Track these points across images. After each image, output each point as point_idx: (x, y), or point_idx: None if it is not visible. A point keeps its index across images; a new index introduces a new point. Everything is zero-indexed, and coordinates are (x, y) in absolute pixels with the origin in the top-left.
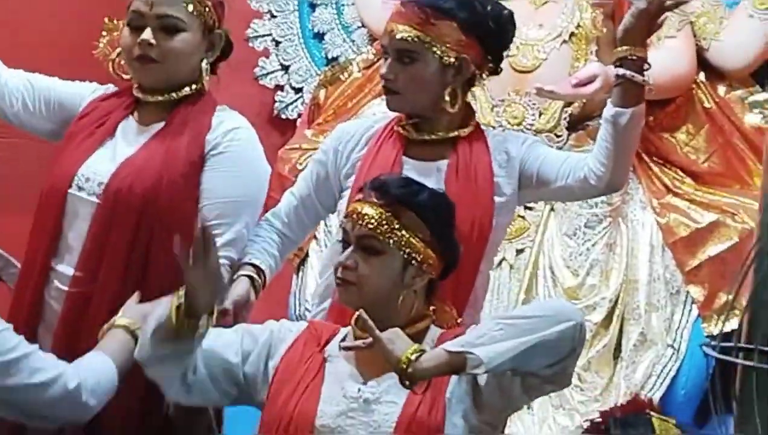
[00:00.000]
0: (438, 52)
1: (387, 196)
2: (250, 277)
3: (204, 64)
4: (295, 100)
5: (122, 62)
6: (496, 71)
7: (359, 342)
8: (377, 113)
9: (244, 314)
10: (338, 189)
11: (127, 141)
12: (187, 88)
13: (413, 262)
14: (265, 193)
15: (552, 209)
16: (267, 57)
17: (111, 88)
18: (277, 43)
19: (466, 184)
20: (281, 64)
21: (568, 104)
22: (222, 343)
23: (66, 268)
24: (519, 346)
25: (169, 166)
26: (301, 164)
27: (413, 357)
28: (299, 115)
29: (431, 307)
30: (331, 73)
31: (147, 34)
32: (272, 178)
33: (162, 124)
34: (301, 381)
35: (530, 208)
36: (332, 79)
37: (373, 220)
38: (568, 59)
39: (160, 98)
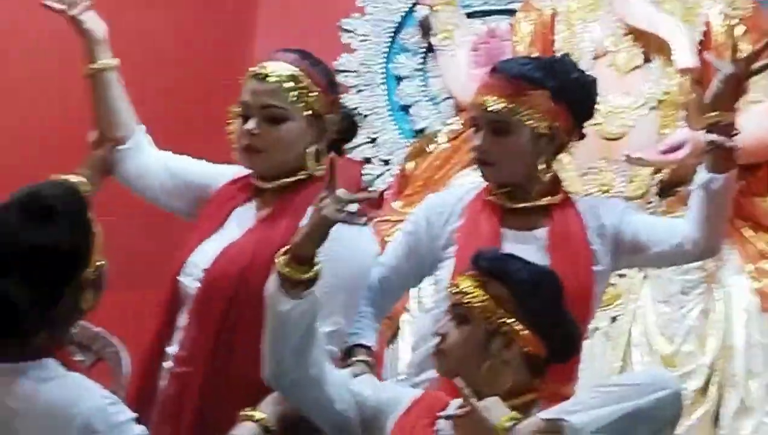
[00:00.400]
0: (531, 123)
1: (480, 267)
2: (365, 361)
3: (310, 150)
4: (383, 173)
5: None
6: (582, 137)
7: (458, 410)
8: (465, 183)
9: None
10: (431, 260)
11: (239, 227)
12: (298, 175)
13: (499, 334)
14: (366, 278)
15: (645, 276)
16: None
17: (244, 170)
18: (365, 116)
19: (565, 252)
20: (369, 137)
21: (658, 171)
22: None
23: (174, 349)
24: (615, 412)
25: (262, 251)
26: (389, 236)
27: (508, 425)
28: (388, 187)
29: (539, 384)
30: (419, 144)
31: (251, 124)
32: None
33: (269, 209)
34: None
35: (623, 275)
36: (420, 150)
37: (463, 290)
38: (655, 126)
39: (269, 185)
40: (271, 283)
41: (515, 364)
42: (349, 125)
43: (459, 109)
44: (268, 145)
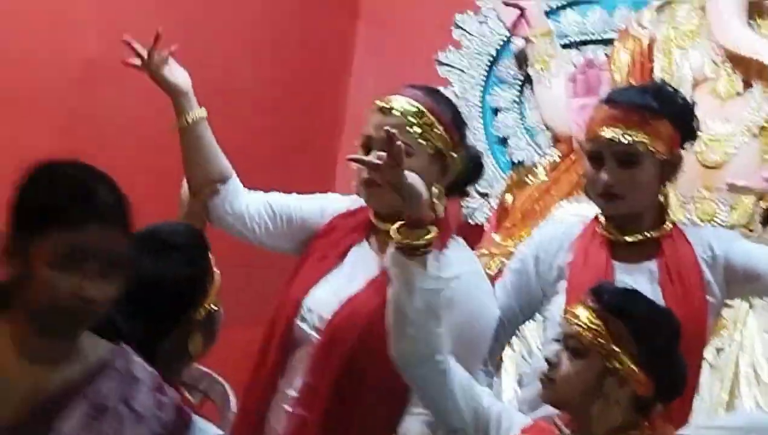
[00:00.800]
0: (657, 152)
1: (601, 301)
2: None
3: (434, 189)
4: (482, 206)
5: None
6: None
7: None
8: (569, 217)
9: None
10: (539, 296)
11: (356, 270)
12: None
13: (614, 373)
14: (490, 336)
15: (751, 306)
16: None
17: (357, 201)
18: None
19: (679, 285)
20: None
21: (761, 198)
22: None
23: (290, 390)
24: None
25: (386, 305)
26: (490, 268)
27: None
28: (487, 220)
29: (642, 423)
30: (517, 176)
31: (372, 157)
32: None
33: (379, 260)
34: None
35: (728, 306)
36: (518, 182)
37: (581, 323)
38: (758, 153)
39: (386, 226)
40: (389, 255)
41: (624, 403)
42: (474, 165)
43: (556, 141)
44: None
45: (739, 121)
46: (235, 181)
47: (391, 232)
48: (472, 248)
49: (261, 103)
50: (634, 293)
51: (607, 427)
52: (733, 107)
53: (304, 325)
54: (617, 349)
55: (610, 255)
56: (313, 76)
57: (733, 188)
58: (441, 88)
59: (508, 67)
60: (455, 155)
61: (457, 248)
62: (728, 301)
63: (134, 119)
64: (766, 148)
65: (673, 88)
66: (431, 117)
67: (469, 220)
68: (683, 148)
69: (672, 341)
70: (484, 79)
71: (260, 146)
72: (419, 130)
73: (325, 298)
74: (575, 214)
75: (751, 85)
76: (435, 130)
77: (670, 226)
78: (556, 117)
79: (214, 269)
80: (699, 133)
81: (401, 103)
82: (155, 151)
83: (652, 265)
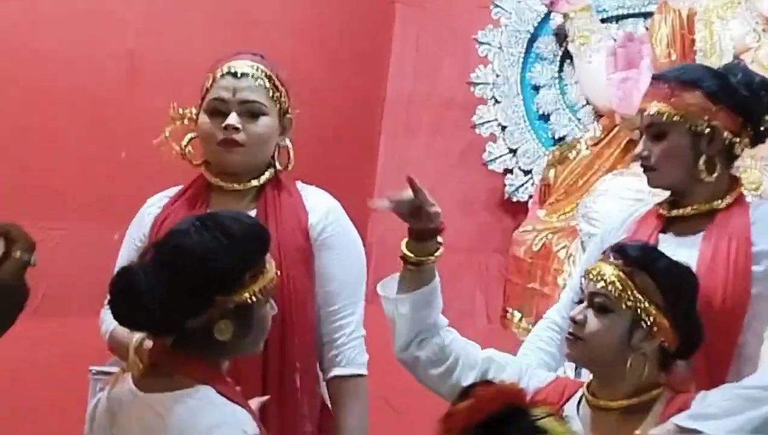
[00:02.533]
0: (687, 123)
1: (625, 257)
2: None
3: (288, 143)
4: (525, 183)
5: (188, 149)
6: (760, 139)
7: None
8: (609, 189)
9: None
10: None
11: None
12: (267, 173)
13: (642, 324)
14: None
15: None
16: (494, 142)
17: (172, 190)
18: (503, 127)
19: (718, 252)
20: (509, 148)
21: None
22: None
23: None
24: (751, 420)
25: (285, 256)
26: (536, 246)
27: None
28: (530, 197)
29: (666, 379)
30: (560, 152)
31: (233, 119)
32: (508, 261)
33: (251, 212)
34: None
35: None
36: (561, 158)
37: (607, 278)
38: None
39: (246, 185)
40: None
41: (651, 356)
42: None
43: (598, 116)
44: (249, 138)
45: None
46: None
47: (403, 250)
48: (517, 226)
49: (301, 91)
50: (654, 249)
51: (633, 383)
52: None
53: None
54: (645, 301)
55: (660, 229)
56: (353, 59)
57: None
58: (481, 67)
59: (547, 44)
60: (290, 116)
61: (312, 189)
62: None
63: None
64: None
65: (738, 67)
66: (276, 79)
67: (513, 198)
68: (754, 127)
69: (693, 295)
70: (524, 56)
71: (301, 133)
72: (271, 92)
73: None
74: (620, 187)
75: None
76: (279, 90)
77: (730, 199)
78: (597, 92)
79: (269, 267)
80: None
81: (249, 66)
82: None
83: (699, 236)
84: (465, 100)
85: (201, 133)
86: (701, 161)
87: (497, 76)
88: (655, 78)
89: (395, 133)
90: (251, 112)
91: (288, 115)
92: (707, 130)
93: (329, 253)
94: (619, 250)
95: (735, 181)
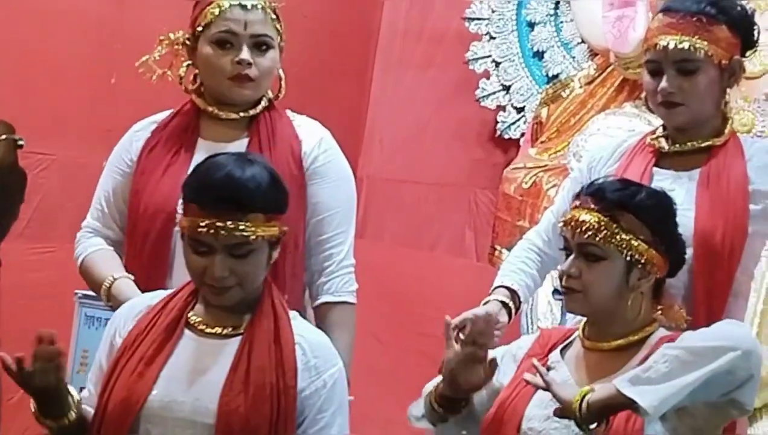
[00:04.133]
0: (717, 59)
1: (604, 201)
2: (501, 301)
3: (281, 73)
4: (518, 120)
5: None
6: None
7: (539, 381)
8: (601, 128)
9: (490, 334)
10: None
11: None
12: (263, 101)
13: (637, 264)
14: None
15: None
16: (488, 78)
17: (164, 114)
18: (497, 63)
19: (716, 191)
20: (502, 85)
21: None
22: None
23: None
24: (688, 385)
25: None
26: (526, 183)
27: (586, 396)
28: (522, 135)
29: (659, 308)
30: (553, 90)
31: (246, 54)
32: (498, 198)
33: (243, 140)
34: (519, 383)
35: None
36: (554, 96)
37: (591, 227)
38: None
39: (242, 114)
40: None
41: (648, 292)
42: None
43: (592, 54)
44: (260, 73)
45: None
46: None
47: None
48: (508, 163)
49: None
50: (629, 184)
51: (634, 321)
52: None
53: None
54: (634, 241)
55: (654, 163)
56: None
57: None
58: (476, 3)
59: None
60: (283, 43)
61: (305, 119)
62: None
63: None
64: None
65: None
66: (276, 9)
67: (504, 135)
68: (744, 57)
69: (673, 218)
70: None
71: (294, 63)
72: (276, 24)
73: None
74: (611, 127)
75: None
76: (280, 21)
77: (726, 137)
78: (592, 30)
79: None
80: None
81: None
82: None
83: (695, 173)
84: (459, 35)
85: (206, 65)
86: (723, 96)
87: (492, 12)
88: (673, 10)
89: (388, 65)
90: (260, 45)
91: (282, 44)
92: (731, 64)
93: (321, 182)
94: (596, 195)
95: (726, 119)
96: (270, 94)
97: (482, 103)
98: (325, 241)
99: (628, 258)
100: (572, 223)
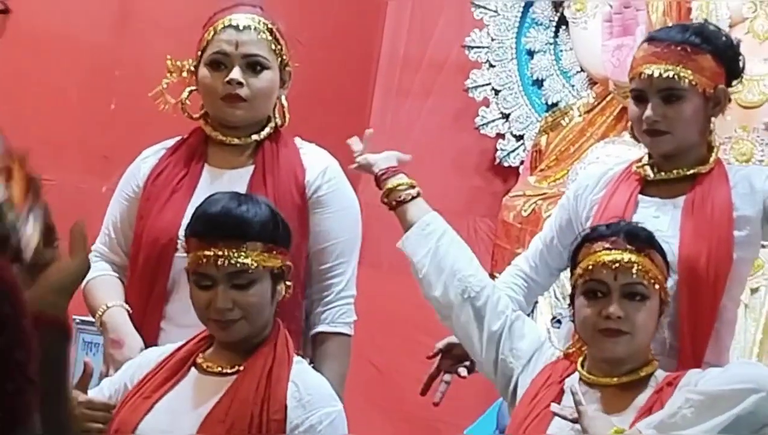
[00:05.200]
0: (701, 86)
1: (638, 240)
2: None
3: (284, 100)
4: (517, 148)
5: (186, 102)
6: (730, 100)
7: (567, 413)
8: (600, 156)
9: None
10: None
11: (216, 189)
12: (268, 127)
13: (665, 303)
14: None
15: None
16: (487, 106)
17: (169, 142)
18: (497, 91)
19: (701, 218)
20: (501, 113)
21: None
22: None
23: (180, 329)
24: (710, 431)
25: (280, 211)
26: (525, 211)
27: None
28: (521, 163)
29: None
30: (552, 118)
31: (236, 74)
32: (497, 226)
33: (248, 167)
34: (535, 407)
35: (764, 246)
36: (553, 124)
37: (638, 266)
38: None
39: (246, 140)
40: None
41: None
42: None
43: (592, 82)
44: (252, 93)
45: None
46: None
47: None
48: (507, 191)
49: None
50: (639, 224)
51: (638, 360)
52: None
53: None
54: (663, 279)
55: (639, 190)
56: (347, 19)
57: None
58: (476, 31)
59: (543, 9)
60: (290, 69)
61: (312, 147)
62: (763, 242)
63: None
64: None
65: (715, 26)
66: (276, 32)
67: (504, 163)
68: (729, 86)
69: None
70: (519, 20)
71: (293, 91)
72: (272, 45)
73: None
74: (611, 155)
75: None
76: (280, 43)
77: (711, 164)
78: (591, 58)
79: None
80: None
81: (250, 18)
82: None
83: (679, 200)
84: (459, 63)
85: (202, 87)
86: (708, 125)
87: (492, 40)
88: (658, 39)
89: (388, 94)
90: (253, 65)
91: (288, 69)
92: (715, 93)
93: (323, 212)
94: (630, 234)
95: (712, 147)
96: (277, 120)
97: (482, 131)
98: (326, 271)
99: (661, 296)
100: (614, 265)
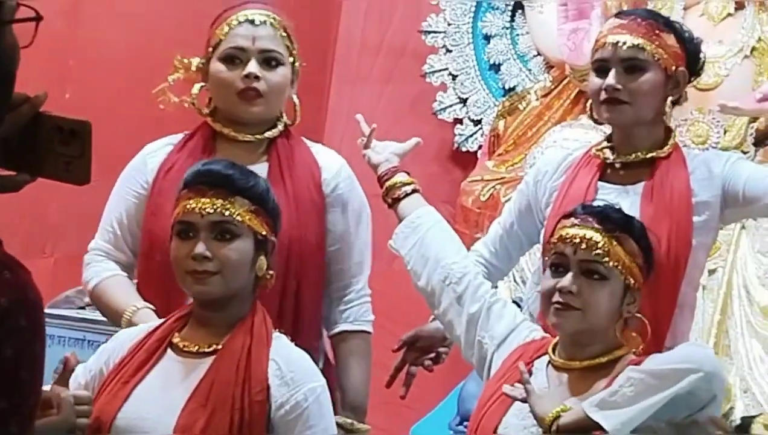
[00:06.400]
0: (663, 62)
1: (608, 221)
2: None
3: (295, 99)
4: (475, 133)
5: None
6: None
7: (518, 394)
8: (557, 140)
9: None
10: (540, 219)
11: None
12: (280, 125)
13: (631, 289)
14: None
15: (743, 227)
16: (444, 91)
17: (177, 136)
18: (454, 76)
19: (660, 205)
20: (459, 98)
21: (754, 120)
22: None
23: None
24: (651, 407)
25: (299, 209)
26: (483, 196)
27: (559, 418)
28: (479, 147)
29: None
30: (510, 103)
31: (254, 67)
32: (456, 211)
33: (262, 164)
34: (501, 387)
35: (721, 228)
36: (511, 109)
37: (600, 245)
38: (750, 74)
39: (258, 137)
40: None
41: (630, 317)
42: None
43: (549, 66)
44: (268, 89)
45: (731, 43)
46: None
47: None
48: (466, 176)
49: None
50: (620, 209)
51: (607, 344)
52: (725, 29)
53: None
54: (632, 265)
55: (599, 177)
56: (303, 6)
57: (725, 110)
58: (433, 16)
59: None
60: (297, 66)
61: (321, 147)
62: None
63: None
64: (759, 70)
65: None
66: (288, 30)
67: (462, 148)
68: (689, 81)
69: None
70: (476, 5)
71: None
72: (287, 42)
73: None
74: (568, 139)
75: (743, 7)
76: (292, 41)
77: (669, 149)
78: (548, 42)
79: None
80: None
81: (266, 14)
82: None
83: (638, 187)
84: (416, 48)
85: (215, 82)
86: (668, 102)
87: (449, 24)
88: (627, 14)
89: (345, 81)
90: (269, 61)
91: (296, 67)
92: (676, 73)
93: (341, 211)
94: (600, 214)
95: (670, 131)
96: (285, 119)
97: (439, 116)
98: (345, 271)
99: (626, 281)
100: (576, 240)
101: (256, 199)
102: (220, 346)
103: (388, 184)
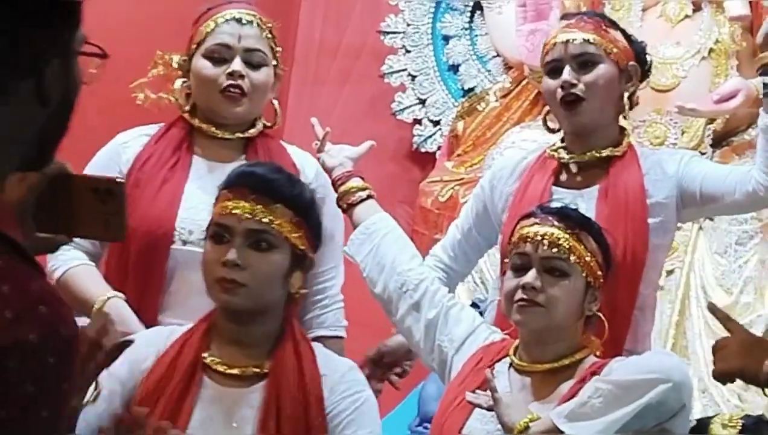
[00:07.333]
0: (614, 56)
1: (569, 219)
2: None
3: (275, 102)
4: (434, 133)
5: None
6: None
7: (482, 401)
8: (516, 141)
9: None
10: (497, 223)
11: (206, 182)
12: (259, 124)
13: (592, 286)
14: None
15: (701, 228)
16: (403, 92)
17: (152, 127)
18: (413, 77)
19: (615, 207)
20: (418, 98)
21: (711, 121)
22: None
23: (178, 320)
24: (620, 419)
25: None
26: (443, 196)
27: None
28: (438, 148)
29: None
30: (469, 104)
31: (238, 66)
32: (415, 212)
33: (241, 161)
34: (462, 392)
35: (678, 228)
36: (470, 110)
37: (560, 242)
38: (707, 76)
39: (237, 135)
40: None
41: (591, 315)
42: None
43: (507, 67)
44: (252, 87)
45: (689, 45)
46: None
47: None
48: (425, 177)
49: None
50: (575, 207)
51: (574, 344)
52: (683, 30)
53: (190, 247)
54: (593, 263)
55: (554, 181)
56: (262, 7)
57: (683, 111)
58: (392, 16)
59: None
60: (279, 71)
61: (295, 148)
62: (678, 224)
63: None
64: (716, 71)
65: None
66: (273, 31)
67: (421, 149)
68: (642, 77)
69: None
70: (435, 6)
71: None
72: (271, 44)
73: (201, 214)
74: (527, 140)
75: (700, 8)
76: (276, 43)
77: (624, 148)
78: (506, 43)
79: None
80: (649, 71)
81: (252, 14)
82: None
83: (593, 190)
84: (375, 49)
85: (198, 79)
86: (624, 99)
87: (408, 25)
88: (573, 15)
89: (304, 82)
90: (254, 60)
91: (278, 70)
92: (628, 68)
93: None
94: (559, 213)
95: (623, 131)
96: (263, 120)
97: (398, 117)
98: (321, 274)
99: (588, 279)
100: (537, 237)
101: (299, 210)
102: (266, 370)
103: (342, 188)
